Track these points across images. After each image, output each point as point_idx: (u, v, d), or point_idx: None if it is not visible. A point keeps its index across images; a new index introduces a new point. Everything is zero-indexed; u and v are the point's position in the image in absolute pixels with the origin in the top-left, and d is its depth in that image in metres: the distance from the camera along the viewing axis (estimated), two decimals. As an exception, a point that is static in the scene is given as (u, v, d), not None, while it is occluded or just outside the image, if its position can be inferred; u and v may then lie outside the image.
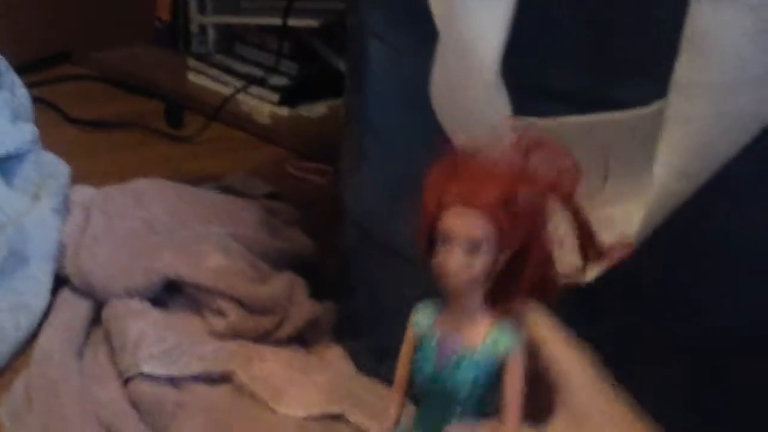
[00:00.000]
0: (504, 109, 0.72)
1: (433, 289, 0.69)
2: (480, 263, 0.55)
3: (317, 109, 1.63)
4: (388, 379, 0.93)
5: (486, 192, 0.54)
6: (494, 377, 0.57)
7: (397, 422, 0.61)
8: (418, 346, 0.59)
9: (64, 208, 1.13)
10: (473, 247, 0.54)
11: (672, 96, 0.66)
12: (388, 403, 0.61)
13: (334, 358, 0.97)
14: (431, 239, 0.57)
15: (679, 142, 0.67)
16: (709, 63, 0.64)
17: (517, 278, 0.57)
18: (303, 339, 1.00)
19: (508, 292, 0.57)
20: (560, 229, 0.58)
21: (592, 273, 0.66)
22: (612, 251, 0.61)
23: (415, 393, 0.60)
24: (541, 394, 0.57)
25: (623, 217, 0.71)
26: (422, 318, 0.59)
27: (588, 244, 0.59)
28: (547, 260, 0.58)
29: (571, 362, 0.57)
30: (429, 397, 0.58)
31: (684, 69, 0.65)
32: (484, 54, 0.71)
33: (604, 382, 0.58)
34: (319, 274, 1.09)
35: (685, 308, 0.76)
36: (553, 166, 0.57)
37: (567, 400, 0.57)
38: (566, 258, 0.59)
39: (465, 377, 0.57)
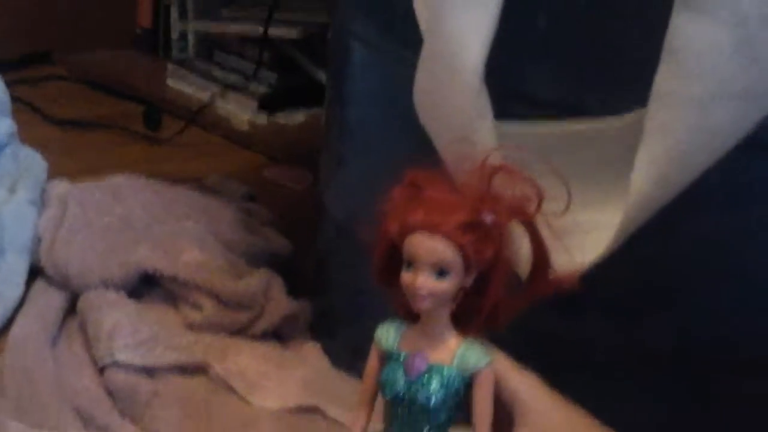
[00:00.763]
0: (486, 113, 0.74)
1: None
2: (446, 286, 0.56)
3: (295, 117, 1.65)
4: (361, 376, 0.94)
5: (450, 217, 0.56)
6: (462, 394, 0.58)
7: None
8: (385, 364, 0.60)
9: (41, 201, 1.13)
10: (440, 272, 0.56)
11: (651, 106, 0.67)
12: (354, 417, 0.61)
13: (310, 353, 0.98)
14: (389, 259, 0.59)
15: (658, 151, 0.68)
16: (689, 76, 0.66)
17: (480, 299, 0.58)
18: (279, 335, 1.01)
19: (472, 313, 0.59)
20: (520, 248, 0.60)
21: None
22: (558, 281, 0.61)
23: (383, 409, 0.60)
24: (501, 423, 0.59)
25: (599, 223, 0.72)
26: (387, 335, 0.60)
27: (540, 269, 0.60)
28: (508, 281, 0.59)
29: (526, 386, 0.59)
30: (398, 414, 0.59)
31: (664, 80, 0.67)
32: (468, 58, 0.72)
33: (560, 400, 0.60)
34: (296, 273, 1.10)
35: (660, 318, 0.77)
36: (515, 190, 0.58)
37: (527, 419, 0.58)
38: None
39: (434, 394, 0.57)
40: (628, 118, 0.71)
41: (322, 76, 1.63)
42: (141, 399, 0.87)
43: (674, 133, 0.67)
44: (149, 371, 0.91)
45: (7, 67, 1.52)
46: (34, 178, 1.14)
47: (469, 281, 0.57)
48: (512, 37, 0.73)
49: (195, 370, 0.92)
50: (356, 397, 0.61)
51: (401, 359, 0.59)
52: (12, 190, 1.12)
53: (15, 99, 1.28)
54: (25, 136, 1.22)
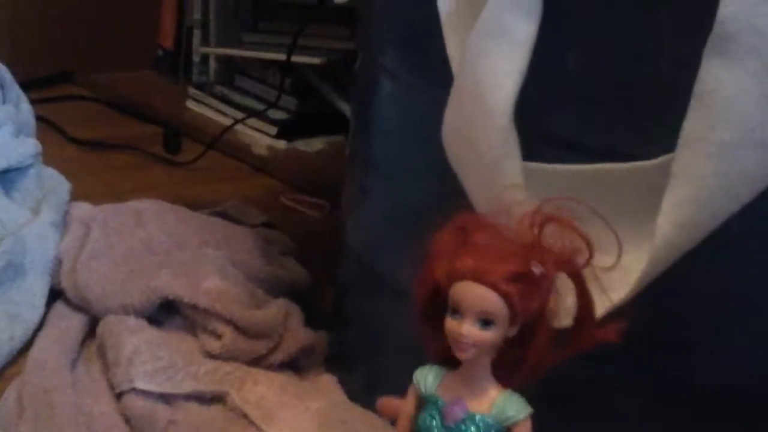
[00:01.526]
0: (514, 153, 0.74)
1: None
2: (491, 336, 0.57)
3: (314, 144, 1.66)
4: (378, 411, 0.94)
5: (499, 267, 0.56)
6: None
7: None
8: (423, 408, 0.60)
9: (63, 223, 1.14)
10: (485, 321, 0.56)
11: (679, 150, 0.68)
12: None
13: (327, 385, 0.98)
14: (432, 303, 0.59)
15: (684, 195, 0.68)
16: (717, 121, 0.66)
17: (523, 351, 0.59)
18: (295, 366, 1.01)
19: (513, 363, 0.59)
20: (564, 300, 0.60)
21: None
22: (601, 335, 0.62)
23: None
24: None
25: (623, 266, 0.72)
26: (425, 380, 0.61)
27: (584, 321, 0.61)
28: (550, 339, 0.59)
29: None
30: None
31: (692, 125, 0.67)
32: (498, 99, 0.73)
33: None
34: (314, 304, 1.10)
35: (678, 361, 0.77)
36: (565, 242, 0.59)
37: None
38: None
39: None
40: (656, 162, 0.71)
41: (342, 104, 1.64)
42: (158, 426, 0.87)
43: (701, 178, 0.67)
44: (166, 398, 0.91)
45: (29, 86, 1.53)
46: (57, 199, 1.15)
47: (514, 332, 0.58)
48: (542, 78, 0.73)
49: (213, 398, 0.92)
50: None
51: (439, 405, 0.59)
52: (35, 211, 1.13)
53: (36, 118, 1.29)
54: (45, 155, 1.23)
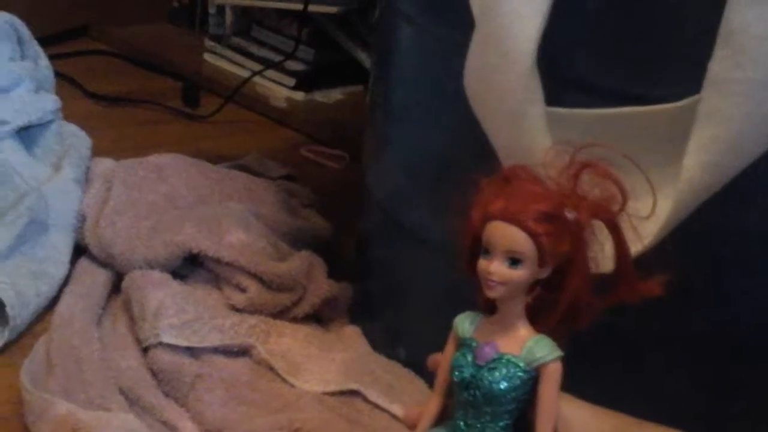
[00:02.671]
0: (537, 98, 0.73)
1: (449, 276, 0.70)
2: (518, 276, 0.57)
3: (333, 95, 1.65)
4: (403, 360, 0.94)
5: (529, 207, 0.57)
6: (528, 387, 0.59)
7: (433, 421, 0.62)
8: (459, 351, 0.61)
9: (85, 179, 1.13)
10: (513, 261, 0.57)
11: (705, 92, 0.67)
12: (426, 403, 0.63)
13: (351, 336, 0.98)
14: (474, 249, 0.60)
15: (710, 137, 0.68)
16: (744, 60, 0.65)
17: (555, 299, 0.59)
18: (320, 318, 1.01)
19: (546, 312, 0.60)
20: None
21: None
22: (645, 288, 0.62)
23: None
24: None
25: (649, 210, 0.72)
26: (464, 325, 0.62)
27: (623, 269, 0.61)
28: (585, 285, 0.59)
29: (565, 401, 0.60)
30: (464, 400, 0.60)
31: (719, 65, 0.66)
32: (521, 42, 0.72)
33: (599, 409, 0.61)
34: (336, 255, 1.10)
35: (705, 307, 0.77)
36: (601, 190, 0.59)
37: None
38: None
39: (499, 381, 0.59)
40: (681, 104, 0.70)
41: (360, 53, 1.63)
42: (185, 380, 0.88)
43: (727, 119, 0.67)
44: (193, 352, 0.91)
45: (46, 41, 1.53)
46: (78, 155, 1.15)
47: (544, 274, 0.58)
48: (564, 23, 0.72)
49: (238, 351, 0.93)
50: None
51: (473, 346, 0.60)
52: (57, 167, 1.13)
53: (55, 74, 1.28)
54: (63, 110, 1.22)
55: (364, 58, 1.61)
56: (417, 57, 0.92)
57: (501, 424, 0.60)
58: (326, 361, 0.92)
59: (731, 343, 0.77)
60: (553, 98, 0.73)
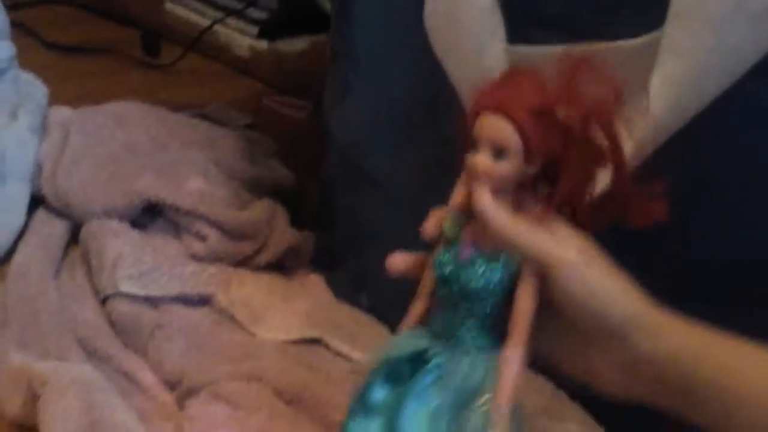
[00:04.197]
0: (499, 34, 0.72)
1: (413, 222, 0.69)
2: (503, 168, 0.56)
3: (297, 44, 1.62)
4: (365, 308, 0.94)
5: (518, 100, 0.55)
6: (507, 287, 0.58)
7: (417, 322, 0.62)
8: (443, 249, 0.60)
9: (41, 128, 1.11)
10: (497, 153, 0.56)
11: (668, 26, 0.66)
12: (411, 307, 0.62)
13: (314, 285, 0.97)
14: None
15: (673, 73, 0.67)
16: (707, -5, 0.64)
17: (550, 193, 0.58)
18: (282, 266, 1.00)
19: (542, 204, 0.59)
20: None
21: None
22: (649, 211, 0.60)
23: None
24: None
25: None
26: (450, 226, 0.60)
27: (618, 171, 0.59)
28: (584, 180, 0.58)
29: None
30: (445, 298, 0.60)
31: (681, 0, 0.65)
32: (481, -21, 0.71)
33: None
34: (299, 204, 1.08)
35: (671, 241, 0.76)
36: (596, 90, 0.57)
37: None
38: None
39: (477, 277, 0.58)
40: (644, 39, 0.69)
41: (324, 2, 1.60)
42: (144, 330, 0.87)
43: (690, 55, 0.66)
44: (152, 302, 0.90)
45: (2, -9, 1.49)
46: (34, 104, 1.12)
47: (531, 170, 0.57)
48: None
49: (199, 300, 0.91)
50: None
51: (456, 245, 0.59)
52: (12, 117, 1.10)
53: (11, 24, 1.25)
54: (21, 61, 1.19)
55: (328, 6, 1.59)
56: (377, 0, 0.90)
57: (477, 320, 0.59)
58: (288, 310, 0.91)
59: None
60: (514, 36, 0.72)
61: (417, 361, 0.60)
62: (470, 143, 0.57)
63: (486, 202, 0.56)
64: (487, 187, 0.56)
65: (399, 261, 0.63)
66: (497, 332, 0.59)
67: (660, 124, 0.68)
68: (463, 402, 0.58)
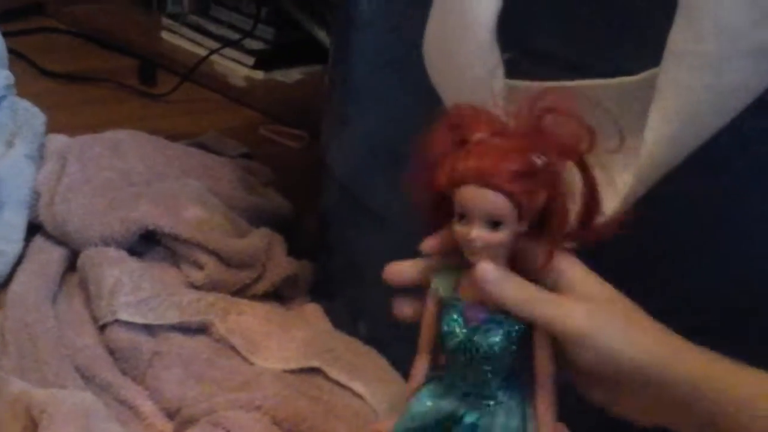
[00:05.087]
0: (497, 70, 0.73)
1: (413, 250, 0.69)
2: (501, 237, 0.55)
3: (292, 75, 1.63)
4: (364, 337, 0.94)
5: (501, 166, 0.54)
6: (524, 337, 0.57)
7: (421, 382, 0.61)
8: (444, 312, 0.59)
9: (39, 156, 1.11)
10: (493, 223, 0.55)
11: (665, 64, 0.67)
12: (414, 366, 0.61)
13: (312, 314, 0.98)
14: (438, 208, 0.58)
15: (670, 110, 0.67)
16: (704, 33, 0.65)
17: (538, 244, 0.58)
18: (280, 295, 1.00)
19: (532, 258, 0.58)
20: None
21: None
22: (603, 227, 0.61)
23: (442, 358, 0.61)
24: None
25: (610, 184, 0.72)
26: (442, 284, 0.59)
27: (590, 210, 0.59)
28: (566, 218, 0.58)
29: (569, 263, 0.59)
30: (460, 362, 0.58)
31: (678, 38, 0.66)
32: (480, 14, 0.71)
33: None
34: (296, 234, 1.09)
35: (660, 278, 0.77)
36: (566, 129, 0.57)
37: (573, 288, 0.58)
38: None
39: (496, 342, 0.57)
40: (641, 76, 0.70)
41: (320, 32, 1.62)
42: (142, 358, 0.87)
43: (687, 92, 0.66)
44: (151, 330, 0.90)
45: (0, 18, 1.50)
46: (32, 132, 1.12)
47: (524, 227, 0.56)
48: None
49: (197, 329, 0.91)
50: (417, 346, 0.61)
51: (459, 308, 0.58)
52: (9, 144, 1.10)
53: (8, 51, 1.26)
54: (18, 89, 1.20)
55: (324, 37, 1.60)
56: (375, 32, 0.91)
57: (502, 375, 0.58)
58: (286, 339, 0.91)
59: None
60: (513, 70, 0.73)
61: (442, 422, 0.60)
62: (456, 211, 0.56)
63: (489, 276, 0.56)
64: (486, 257, 0.56)
65: (395, 272, 0.62)
66: (522, 377, 0.59)
67: (657, 161, 0.68)
68: None
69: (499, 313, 0.57)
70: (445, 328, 0.58)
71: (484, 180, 0.54)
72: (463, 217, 0.56)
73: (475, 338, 0.57)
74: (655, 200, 0.69)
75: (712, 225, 0.74)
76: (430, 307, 0.60)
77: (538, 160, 0.56)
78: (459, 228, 0.56)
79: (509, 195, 0.54)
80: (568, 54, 0.74)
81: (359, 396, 0.85)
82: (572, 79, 0.73)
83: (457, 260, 0.58)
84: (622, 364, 0.56)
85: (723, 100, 0.67)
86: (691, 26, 0.65)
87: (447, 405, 0.59)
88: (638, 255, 0.74)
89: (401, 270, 0.62)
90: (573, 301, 0.57)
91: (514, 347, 0.57)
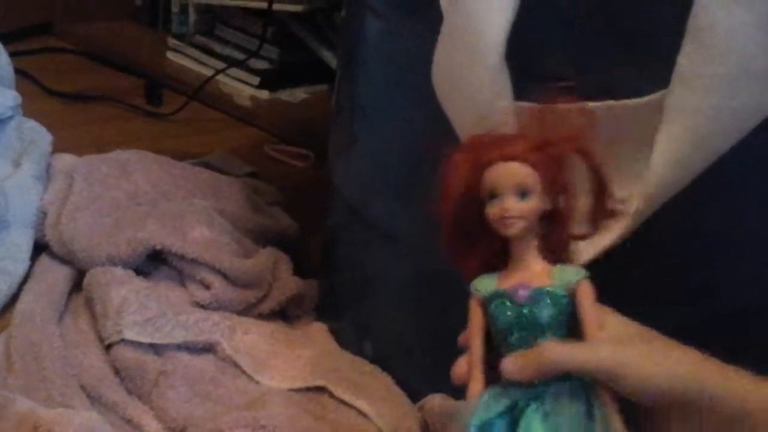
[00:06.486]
0: (506, 92, 0.73)
1: (418, 272, 0.69)
2: (531, 206, 0.60)
3: (298, 94, 1.64)
4: (369, 357, 0.94)
5: (520, 144, 0.60)
6: (570, 308, 0.60)
7: (480, 391, 0.61)
8: (490, 307, 0.61)
9: (46, 176, 1.12)
10: (522, 193, 0.60)
11: (674, 86, 0.67)
12: (471, 379, 0.61)
13: (317, 333, 0.97)
14: (464, 216, 0.61)
15: (679, 132, 0.68)
16: (713, 56, 0.65)
17: (560, 229, 0.62)
18: (286, 315, 1.00)
19: (555, 244, 0.62)
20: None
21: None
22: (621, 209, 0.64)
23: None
24: None
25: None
26: (483, 286, 0.62)
27: (600, 196, 0.63)
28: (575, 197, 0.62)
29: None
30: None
31: (687, 60, 0.66)
32: (489, 36, 0.72)
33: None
34: (302, 253, 1.09)
35: (671, 299, 0.77)
36: (568, 123, 0.62)
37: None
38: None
39: (546, 311, 0.59)
40: (650, 98, 0.70)
41: (325, 52, 1.62)
42: (149, 377, 0.86)
43: (696, 114, 0.67)
44: (157, 349, 0.90)
45: (7, 38, 1.51)
46: (38, 151, 1.13)
47: (548, 205, 0.61)
48: (534, 16, 0.72)
49: (203, 348, 0.91)
50: (467, 358, 0.61)
51: (504, 295, 0.60)
52: (16, 164, 1.11)
53: (15, 71, 1.26)
54: (25, 108, 1.20)
55: (329, 57, 1.61)
56: (384, 52, 0.91)
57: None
58: (292, 358, 0.91)
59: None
60: (521, 92, 0.73)
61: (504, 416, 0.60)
62: (484, 196, 0.60)
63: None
64: (521, 229, 0.60)
65: (463, 368, 0.62)
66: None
67: (665, 183, 0.68)
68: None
69: (543, 286, 0.60)
70: (495, 313, 0.60)
71: (508, 155, 0.60)
72: (494, 195, 0.60)
73: (526, 311, 0.59)
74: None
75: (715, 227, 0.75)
76: (476, 312, 0.62)
77: (549, 147, 0.61)
78: (491, 208, 0.60)
79: (535, 164, 0.60)
80: (574, 76, 0.75)
81: (364, 415, 0.85)
82: (580, 100, 0.73)
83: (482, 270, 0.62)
84: (654, 395, 0.57)
85: (732, 122, 0.67)
86: (700, 49, 0.65)
87: (504, 400, 0.60)
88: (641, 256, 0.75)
89: (461, 366, 0.62)
90: (599, 342, 0.59)
91: (562, 317, 0.59)
